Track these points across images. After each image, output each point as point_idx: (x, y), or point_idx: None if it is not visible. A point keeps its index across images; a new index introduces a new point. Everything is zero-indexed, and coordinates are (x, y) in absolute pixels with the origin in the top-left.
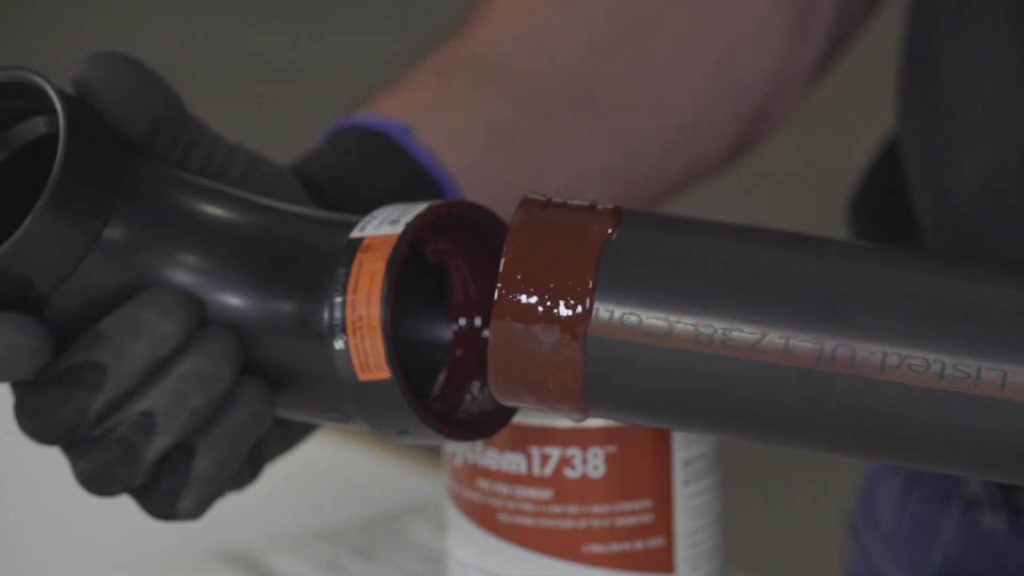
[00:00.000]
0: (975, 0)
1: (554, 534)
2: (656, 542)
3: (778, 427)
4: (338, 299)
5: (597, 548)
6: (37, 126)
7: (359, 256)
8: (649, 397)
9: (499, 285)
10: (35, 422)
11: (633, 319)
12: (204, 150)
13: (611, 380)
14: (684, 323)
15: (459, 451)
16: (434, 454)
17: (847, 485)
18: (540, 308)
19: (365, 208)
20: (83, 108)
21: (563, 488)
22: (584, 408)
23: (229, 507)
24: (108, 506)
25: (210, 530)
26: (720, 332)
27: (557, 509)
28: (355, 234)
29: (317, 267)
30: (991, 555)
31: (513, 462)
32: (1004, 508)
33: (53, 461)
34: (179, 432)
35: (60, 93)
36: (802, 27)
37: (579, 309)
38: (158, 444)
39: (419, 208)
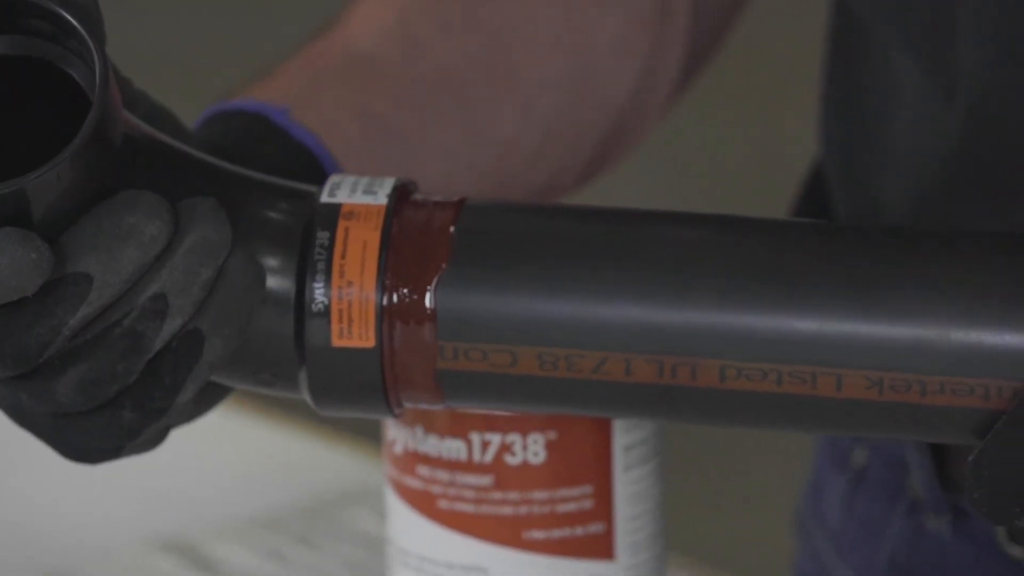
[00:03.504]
0: (879, 33)
1: (494, 520)
2: (596, 528)
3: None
4: (321, 262)
5: (537, 534)
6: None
7: (343, 222)
8: (506, 407)
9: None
10: (4, 348)
11: (477, 353)
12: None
13: (468, 400)
14: (527, 353)
15: (399, 438)
16: (374, 441)
17: (789, 470)
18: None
19: None
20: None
21: (503, 474)
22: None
23: (169, 495)
24: (48, 495)
25: (151, 518)
26: (563, 358)
27: (498, 495)
28: (327, 199)
29: (287, 227)
30: (937, 556)
31: (453, 448)
32: (947, 511)
33: None
34: (190, 310)
35: (93, 36)
36: (658, 45)
37: (425, 342)
38: (168, 328)
39: (387, 181)
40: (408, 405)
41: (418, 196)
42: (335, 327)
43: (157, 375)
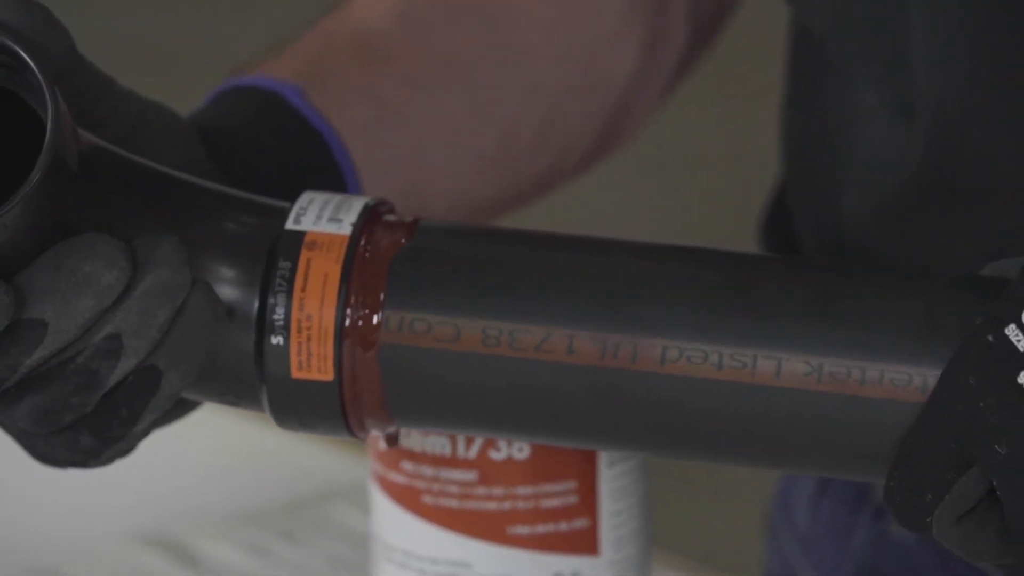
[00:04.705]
0: (838, 54)
1: (479, 516)
2: (580, 523)
3: (570, 427)
4: (282, 294)
5: (522, 529)
6: None
7: (305, 252)
8: (445, 402)
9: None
10: None
11: (422, 324)
12: (91, 99)
13: (407, 387)
14: (471, 326)
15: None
16: None
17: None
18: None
19: (257, 169)
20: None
21: (488, 470)
22: (389, 417)
23: (154, 491)
24: (31, 491)
25: (134, 514)
26: (506, 333)
27: (482, 491)
28: (292, 226)
29: (250, 252)
30: (903, 564)
31: (438, 444)
32: None
33: None
34: (146, 349)
35: (46, 76)
36: (659, 27)
37: (372, 319)
38: (123, 367)
39: (356, 205)
40: (372, 429)
41: (388, 217)
42: (294, 360)
43: (114, 407)
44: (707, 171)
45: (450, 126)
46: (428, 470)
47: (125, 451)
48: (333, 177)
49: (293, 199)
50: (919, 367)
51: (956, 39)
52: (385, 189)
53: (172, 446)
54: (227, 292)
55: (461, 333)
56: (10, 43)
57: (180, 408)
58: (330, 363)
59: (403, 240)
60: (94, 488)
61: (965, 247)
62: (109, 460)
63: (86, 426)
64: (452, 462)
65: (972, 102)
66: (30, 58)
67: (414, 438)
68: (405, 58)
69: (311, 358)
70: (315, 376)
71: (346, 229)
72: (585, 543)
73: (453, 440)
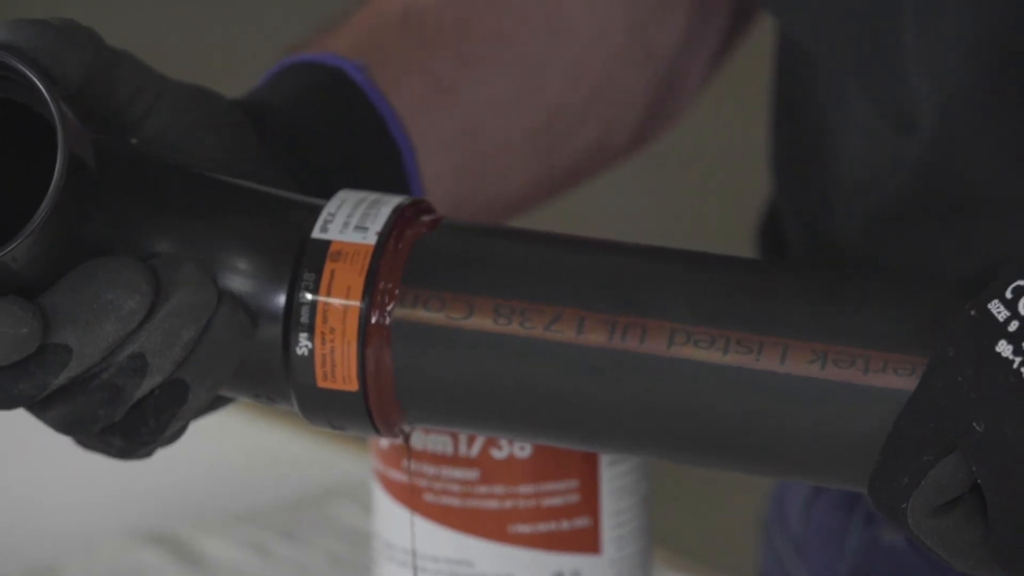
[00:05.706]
0: (827, 66)
1: (480, 514)
2: (582, 522)
3: (574, 416)
4: (305, 304)
5: (523, 528)
6: None
7: (329, 263)
8: (455, 386)
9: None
10: None
11: (436, 302)
12: (125, 100)
13: (417, 369)
14: (483, 304)
15: None
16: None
17: None
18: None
19: (313, 148)
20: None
21: (489, 468)
22: (400, 409)
23: (154, 488)
24: (31, 489)
25: (134, 511)
26: (518, 312)
27: (483, 489)
28: (318, 234)
29: (274, 262)
30: (896, 568)
31: (439, 442)
32: None
33: None
34: (170, 367)
35: (53, 95)
36: (705, 2)
37: (388, 301)
38: (148, 383)
39: (384, 211)
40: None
41: (418, 218)
42: (319, 371)
43: (142, 417)
44: (704, 176)
45: (500, 101)
46: (429, 468)
47: (161, 446)
48: (390, 156)
49: (347, 181)
50: (923, 357)
51: (951, 53)
52: (441, 167)
53: (172, 444)
54: (252, 302)
55: (474, 310)
56: (12, 61)
57: (215, 403)
58: (353, 374)
59: (423, 232)
60: (94, 486)
61: (956, 260)
62: (146, 455)
63: (116, 432)
64: (454, 460)
65: (969, 113)
66: (35, 76)
67: (416, 436)
68: (454, 35)
69: (335, 368)
70: (340, 386)
71: (371, 239)
72: (586, 542)
73: (455, 438)
